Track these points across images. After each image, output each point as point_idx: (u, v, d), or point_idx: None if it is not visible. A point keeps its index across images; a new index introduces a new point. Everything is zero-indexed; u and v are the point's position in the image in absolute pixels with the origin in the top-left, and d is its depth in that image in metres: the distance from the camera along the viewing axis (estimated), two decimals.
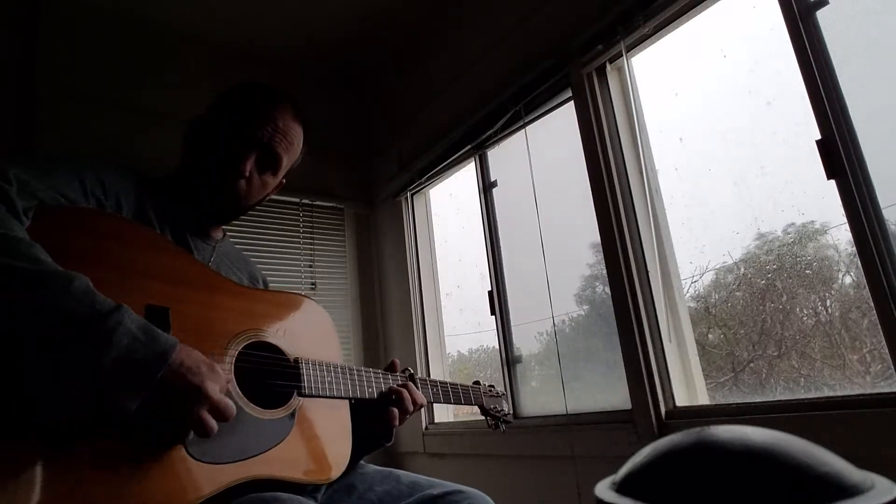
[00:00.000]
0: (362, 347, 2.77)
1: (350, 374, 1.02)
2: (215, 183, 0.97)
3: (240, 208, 1.02)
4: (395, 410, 1.06)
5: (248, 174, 0.97)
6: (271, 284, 1.21)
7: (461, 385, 1.28)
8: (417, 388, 1.12)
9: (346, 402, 1.03)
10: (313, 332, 1.03)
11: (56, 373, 0.61)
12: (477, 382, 1.34)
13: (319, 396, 0.96)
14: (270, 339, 0.92)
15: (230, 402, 0.74)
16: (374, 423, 1.07)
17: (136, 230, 0.84)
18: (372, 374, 1.07)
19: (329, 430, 0.97)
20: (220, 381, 0.73)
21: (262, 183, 1.01)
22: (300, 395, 0.92)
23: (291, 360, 0.94)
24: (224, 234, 1.10)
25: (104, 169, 0.87)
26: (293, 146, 1.03)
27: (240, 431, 0.81)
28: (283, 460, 0.86)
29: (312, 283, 2.67)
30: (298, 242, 2.68)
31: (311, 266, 2.69)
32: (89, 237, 0.77)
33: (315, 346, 1.00)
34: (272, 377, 0.90)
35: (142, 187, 0.92)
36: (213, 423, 0.71)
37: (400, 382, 1.11)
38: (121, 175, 0.90)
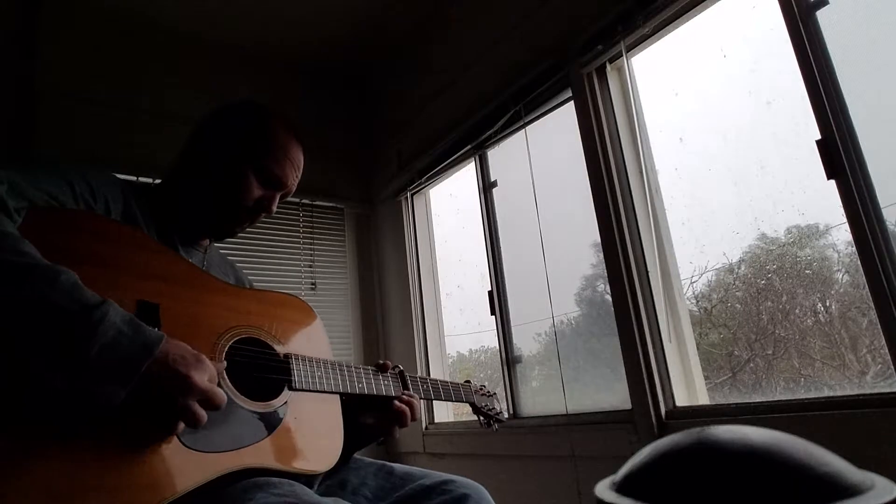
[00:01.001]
0: (362, 347, 2.77)
1: (340, 370, 1.03)
2: (235, 215, 1.02)
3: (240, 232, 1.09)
4: (396, 426, 1.09)
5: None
6: (271, 285, 1.22)
7: (451, 383, 1.30)
8: (409, 386, 1.14)
9: (337, 397, 1.04)
10: (302, 329, 1.04)
11: (42, 364, 0.62)
12: (468, 381, 1.35)
13: (309, 391, 0.96)
14: (260, 336, 0.94)
15: (219, 390, 0.75)
16: (371, 427, 1.09)
17: (126, 231, 0.86)
18: (362, 371, 1.08)
19: (319, 423, 0.98)
20: (208, 371, 0.74)
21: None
22: (290, 388, 0.93)
23: (281, 356, 0.95)
24: (210, 242, 1.11)
25: (92, 174, 0.89)
26: None
27: (231, 422, 0.82)
28: (274, 451, 0.87)
29: (312, 283, 2.67)
30: (298, 242, 2.68)
31: (311, 266, 2.69)
32: (80, 237, 0.78)
33: (304, 342, 1.02)
34: (262, 371, 0.91)
35: (129, 192, 0.94)
36: (201, 412, 0.72)
37: (401, 391, 1.12)
38: (109, 180, 0.92)
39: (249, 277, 1.22)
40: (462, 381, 1.34)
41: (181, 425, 0.72)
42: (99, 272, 0.75)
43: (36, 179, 0.78)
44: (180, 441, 0.75)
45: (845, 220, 1.27)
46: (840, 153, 1.27)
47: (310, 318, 1.08)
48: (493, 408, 1.37)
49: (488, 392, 1.40)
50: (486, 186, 2.37)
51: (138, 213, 0.93)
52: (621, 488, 0.36)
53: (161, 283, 0.83)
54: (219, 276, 1.04)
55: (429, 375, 2.47)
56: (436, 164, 2.46)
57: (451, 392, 1.28)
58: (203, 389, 0.72)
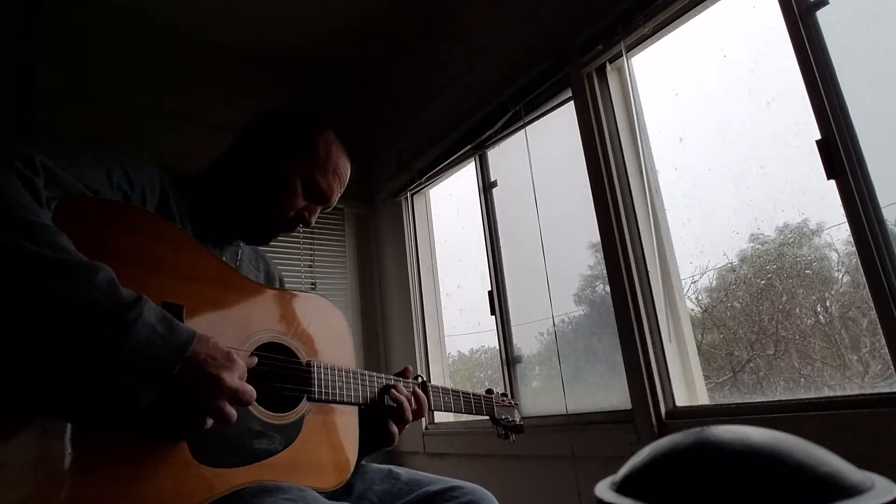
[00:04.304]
0: (362, 347, 2.77)
1: (361, 380, 1.01)
2: (273, 224, 1.01)
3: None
4: (392, 424, 1.05)
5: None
6: None
7: (473, 394, 1.26)
8: (429, 395, 1.12)
9: (356, 407, 1.03)
10: (327, 333, 1.02)
11: (74, 361, 0.61)
12: (489, 391, 1.32)
13: (329, 402, 0.95)
14: (283, 341, 0.92)
15: (249, 387, 0.74)
16: (376, 429, 1.07)
17: (158, 225, 0.83)
18: (384, 380, 1.06)
19: (336, 436, 0.97)
20: (239, 370, 0.74)
21: None
22: (310, 399, 0.92)
23: (303, 364, 0.93)
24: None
25: (130, 162, 0.88)
26: None
27: (246, 434, 0.81)
28: (288, 466, 0.86)
29: (312, 283, 2.67)
30: (298, 242, 2.68)
31: (311, 266, 2.69)
32: (111, 230, 0.76)
33: (328, 347, 1.00)
34: (283, 380, 0.90)
35: (167, 182, 0.92)
36: (231, 411, 0.72)
37: (409, 389, 1.09)
38: (146, 169, 0.90)
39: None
40: (484, 392, 1.30)
41: (209, 421, 0.72)
42: (127, 269, 0.73)
43: (72, 166, 0.76)
44: (193, 456, 0.74)
45: (845, 220, 1.27)
46: (840, 153, 1.27)
47: (335, 320, 1.06)
48: (513, 419, 1.35)
49: (510, 402, 1.37)
50: (486, 186, 2.37)
51: (174, 205, 0.91)
52: (621, 488, 0.36)
53: (189, 282, 0.81)
54: (249, 273, 1.03)
55: (429, 376, 2.48)
56: (436, 164, 2.46)
57: (472, 405, 1.24)
58: (233, 389, 0.71)
